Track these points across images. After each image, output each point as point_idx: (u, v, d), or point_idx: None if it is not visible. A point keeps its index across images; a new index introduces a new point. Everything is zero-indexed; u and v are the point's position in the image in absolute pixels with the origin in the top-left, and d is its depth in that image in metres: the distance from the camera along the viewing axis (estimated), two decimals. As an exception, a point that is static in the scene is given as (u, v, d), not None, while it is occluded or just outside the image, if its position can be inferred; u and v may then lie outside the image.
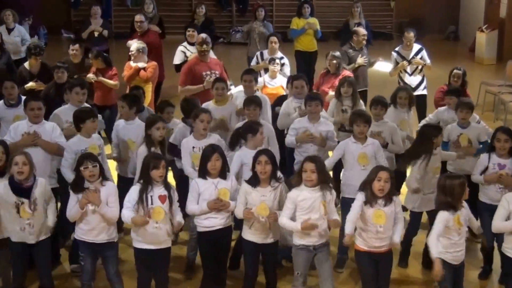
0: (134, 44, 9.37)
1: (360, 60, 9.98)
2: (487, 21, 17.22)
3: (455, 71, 8.67)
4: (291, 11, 14.41)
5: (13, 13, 11.71)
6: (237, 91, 8.34)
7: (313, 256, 5.64)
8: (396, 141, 7.19)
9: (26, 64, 9.36)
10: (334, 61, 8.87)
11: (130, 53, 9.30)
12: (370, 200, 5.48)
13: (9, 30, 11.48)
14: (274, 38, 9.95)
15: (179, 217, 5.74)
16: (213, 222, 5.79)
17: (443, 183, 5.55)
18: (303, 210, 5.52)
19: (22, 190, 5.61)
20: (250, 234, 5.75)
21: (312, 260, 5.68)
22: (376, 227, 5.50)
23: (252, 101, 6.99)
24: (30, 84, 8.80)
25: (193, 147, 6.42)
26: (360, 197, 5.53)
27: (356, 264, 5.93)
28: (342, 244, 6.09)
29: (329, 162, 6.61)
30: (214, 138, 6.57)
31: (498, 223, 5.77)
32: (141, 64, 9.23)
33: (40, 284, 5.99)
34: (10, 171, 5.61)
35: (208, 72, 8.57)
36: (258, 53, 10.18)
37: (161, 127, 6.53)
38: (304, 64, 11.82)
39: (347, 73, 8.93)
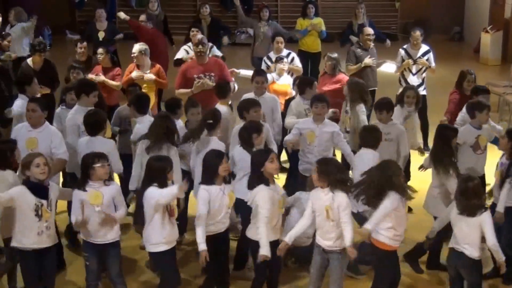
0: (136, 46, 9.21)
1: (368, 60, 9.99)
2: (491, 22, 17.22)
3: (469, 76, 8.54)
4: (296, 11, 14.39)
5: (15, 11, 11.69)
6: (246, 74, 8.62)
7: (326, 259, 5.62)
8: (402, 144, 7.21)
9: (29, 61, 9.29)
10: (330, 63, 8.93)
11: (132, 55, 9.16)
12: (408, 196, 5.51)
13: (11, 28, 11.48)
14: (280, 38, 9.93)
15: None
16: (219, 227, 5.78)
17: (472, 186, 5.48)
18: (315, 211, 5.58)
19: (42, 190, 5.46)
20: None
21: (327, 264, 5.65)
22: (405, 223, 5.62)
23: (256, 103, 7.08)
24: None
25: None
26: (395, 196, 5.41)
27: (385, 264, 5.70)
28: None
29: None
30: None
31: None
32: (150, 76, 8.97)
33: None
34: (26, 174, 5.46)
35: (201, 75, 8.48)
36: (265, 57, 10.06)
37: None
38: (307, 65, 11.79)
39: (341, 76, 8.93)
